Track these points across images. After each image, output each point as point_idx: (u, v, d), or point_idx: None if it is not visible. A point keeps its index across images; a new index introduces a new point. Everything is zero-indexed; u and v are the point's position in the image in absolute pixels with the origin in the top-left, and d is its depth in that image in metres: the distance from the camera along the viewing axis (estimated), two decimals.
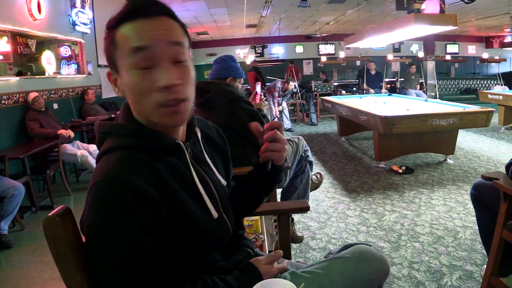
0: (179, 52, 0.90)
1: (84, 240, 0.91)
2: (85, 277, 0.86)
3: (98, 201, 0.84)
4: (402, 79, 10.56)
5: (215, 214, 1.01)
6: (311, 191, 3.12)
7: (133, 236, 0.84)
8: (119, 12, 0.90)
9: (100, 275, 0.85)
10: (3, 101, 4.32)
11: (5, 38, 4.28)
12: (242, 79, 2.73)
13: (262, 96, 2.92)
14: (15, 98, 4.54)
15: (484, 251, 2.47)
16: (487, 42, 16.34)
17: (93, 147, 4.98)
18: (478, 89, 11.56)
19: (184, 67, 0.91)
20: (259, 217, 1.87)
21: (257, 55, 14.63)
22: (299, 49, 15.90)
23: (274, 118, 8.53)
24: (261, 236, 1.92)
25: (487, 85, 12.66)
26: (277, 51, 15.43)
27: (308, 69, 15.79)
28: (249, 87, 11.14)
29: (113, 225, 0.83)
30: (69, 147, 4.83)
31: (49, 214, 0.85)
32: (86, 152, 4.82)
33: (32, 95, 4.66)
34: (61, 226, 0.84)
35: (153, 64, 0.88)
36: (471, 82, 12.97)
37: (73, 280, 0.86)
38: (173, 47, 0.89)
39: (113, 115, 1.07)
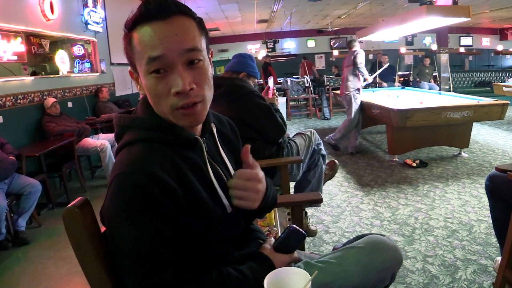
0: (193, 56, 0.92)
1: (102, 230, 0.93)
2: (104, 266, 0.88)
3: (121, 191, 0.86)
4: (416, 72, 10.46)
5: (229, 208, 1.03)
6: (327, 180, 3.12)
7: (155, 225, 0.86)
8: (134, 14, 0.91)
9: (121, 262, 0.88)
10: (19, 101, 4.39)
11: (19, 39, 4.34)
12: (256, 79, 2.75)
13: (275, 91, 2.93)
14: (30, 97, 4.60)
15: (499, 245, 2.45)
16: (502, 34, 16.08)
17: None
18: (493, 81, 11.39)
19: (199, 68, 0.93)
20: (272, 209, 1.88)
21: (268, 50, 14.60)
22: (311, 43, 15.83)
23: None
24: (275, 228, 1.93)
25: (501, 77, 12.45)
26: (289, 46, 15.38)
27: (320, 63, 15.70)
28: (261, 82, 11.12)
29: (136, 214, 0.85)
30: (90, 140, 4.91)
31: (68, 205, 0.88)
32: (107, 142, 4.87)
33: (51, 100, 4.70)
34: (80, 217, 0.87)
35: (167, 68, 0.90)
36: (485, 75, 12.76)
37: (93, 269, 0.88)
38: (187, 54, 0.90)
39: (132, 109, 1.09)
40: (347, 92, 5.68)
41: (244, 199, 1.02)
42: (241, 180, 1.01)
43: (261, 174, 1.06)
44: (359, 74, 5.58)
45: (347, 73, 5.66)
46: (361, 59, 5.48)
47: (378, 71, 7.60)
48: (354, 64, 5.50)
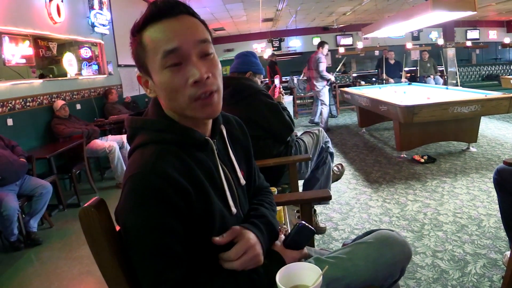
0: (206, 47, 0.96)
1: (118, 229, 0.95)
2: (120, 264, 0.91)
3: (135, 191, 0.89)
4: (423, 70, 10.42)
5: (234, 210, 1.05)
6: (333, 182, 3.13)
7: (168, 224, 0.88)
8: (143, 15, 0.94)
9: (135, 260, 0.90)
10: (28, 104, 4.44)
11: (27, 42, 4.39)
12: (262, 76, 2.77)
13: (282, 89, 2.94)
14: (39, 100, 4.65)
15: (508, 238, 2.45)
16: (508, 26, 15.92)
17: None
18: (500, 75, 11.31)
19: (211, 60, 0.97)
20: (282, 207, 1.89)
21: (274, 49, 14.58)
22: (317, 41, 15.63)
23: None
24: (284, 226, 1.94)
25: (509, 70, 12.36)
26: (295, 44, 15.33)
27: (326, 61, 15.62)
28: (267, 81, 11.11)
29: (150, 214, 0.87)
30: (99, 142, 4.95)
31: (85, 205, 0.90)
32: (115, 144, 4.90)
33: (60, 103, 4.74)
34: (96, 216, 0.89)
35: (183, 61, 0.93)
36: (493, 68, 12.67)
37: (108, 267, 0.90)
38: (200, 45, 0.94)
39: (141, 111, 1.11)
40: (317, 89, 7.64)
41: (250, 266, 1.01)
42: (241, 260, 0.99)
43: (249, 236, 1.03)
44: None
45: (316, 75, 7.51)
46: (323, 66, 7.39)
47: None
48: (317, 69, 7.38)
